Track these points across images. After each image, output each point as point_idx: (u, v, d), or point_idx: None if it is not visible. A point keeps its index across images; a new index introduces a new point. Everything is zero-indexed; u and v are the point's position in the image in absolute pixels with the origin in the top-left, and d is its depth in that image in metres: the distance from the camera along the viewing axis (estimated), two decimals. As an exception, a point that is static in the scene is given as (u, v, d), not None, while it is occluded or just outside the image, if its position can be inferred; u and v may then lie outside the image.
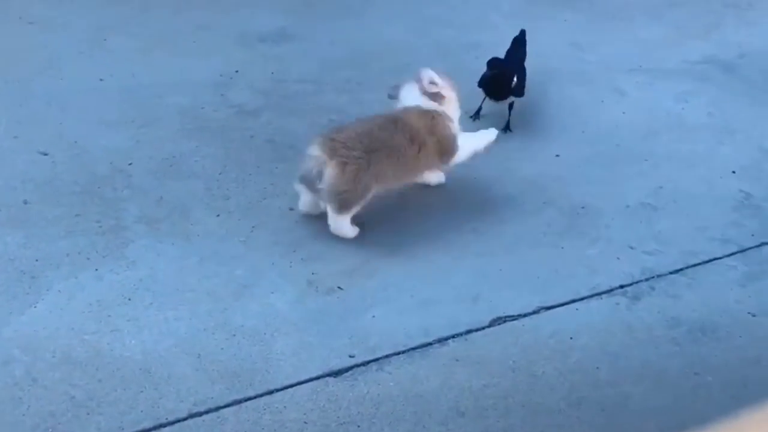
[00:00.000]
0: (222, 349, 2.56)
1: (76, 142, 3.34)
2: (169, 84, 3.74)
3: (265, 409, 2.38)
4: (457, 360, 2.60)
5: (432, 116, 3.15)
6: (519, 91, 3.66)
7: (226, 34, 4.20)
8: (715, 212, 3.33)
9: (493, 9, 4.72)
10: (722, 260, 3.10)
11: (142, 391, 2.39)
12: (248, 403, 2.40)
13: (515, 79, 3.62)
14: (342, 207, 2.96)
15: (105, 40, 4.03)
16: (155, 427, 2.30)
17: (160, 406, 2.36)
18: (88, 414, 2.32)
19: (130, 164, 3.25)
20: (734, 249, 3.15)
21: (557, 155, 3.57)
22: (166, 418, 2.32)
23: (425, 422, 2.40)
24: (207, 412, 2.35)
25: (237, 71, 3.88)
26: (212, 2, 4.54)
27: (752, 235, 3.22)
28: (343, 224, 2.99)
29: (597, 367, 2.63)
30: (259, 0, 4.58)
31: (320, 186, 2.93)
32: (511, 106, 3.68)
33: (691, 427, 2.47)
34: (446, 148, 3.19)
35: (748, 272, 3.05)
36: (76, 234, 2.90)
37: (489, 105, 3.71)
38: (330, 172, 2.90)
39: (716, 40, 4.59)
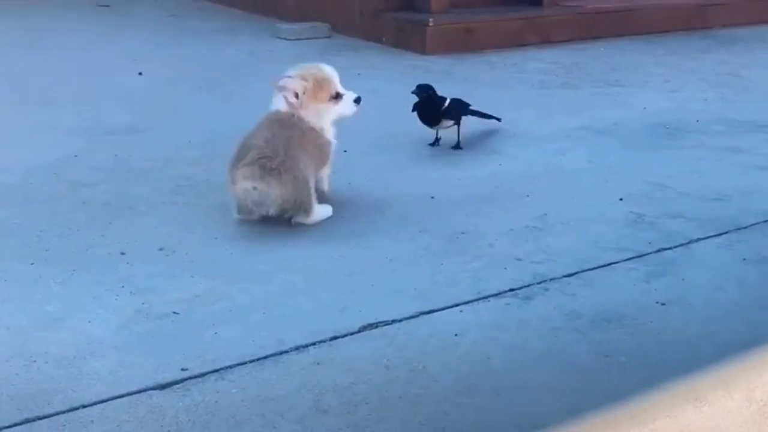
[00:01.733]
0: (16, 374, 2.01)
1: None
2: (-5, 168, 3.36)
3: (64, 425, 1.83)
4: (318, 363, 2.11)
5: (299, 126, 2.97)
6: (453, 114, 3.74)
7: (68, 129, 3.86)
8: (607, 229, 3.00)
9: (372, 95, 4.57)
10: (620, 264, 2.73)
11: None
12: (43, 421, 1.84)
13: (446, 103, 3.70)
14: (307, 210, 2.85)
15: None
16: None
17: None
18: None
19: (-68, 229, 2.79)
20: (632, 255, 2.80)
21: (432, 197, 3.25)
22: (-75, 445, 1.77)
23: (276, 423, 1.87)
24: (-16, 434, 1.80)
25: (76, 156, 3.51)
26: (59, 101, 4.26)
27: (649, 243, 2.89)
28: (317, 214, 2.90)
29: (488, 358, 2.17)
30: (110, 102, 4.31)
31: (268, 209, 2.80)
32: (457, 125, 3.78)
33: (605, 405, 2.02)
34: (323, 155, 3.05)
35: (650, 271, 2.69)
36: None
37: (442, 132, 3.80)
38: (274, 193, 2.77)
39: (588, 116, 4.47)
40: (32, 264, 2.57)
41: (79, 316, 2.29)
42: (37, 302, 2.35)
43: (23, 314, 2.28)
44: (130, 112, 4.18)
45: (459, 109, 3.79)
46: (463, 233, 2.92)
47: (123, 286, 2.46)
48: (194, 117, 4.19)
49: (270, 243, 2.79)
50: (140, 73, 4.94)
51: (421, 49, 5.82)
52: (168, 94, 4.63)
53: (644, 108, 4.61)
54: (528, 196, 3.29)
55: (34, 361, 2.07)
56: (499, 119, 3.99)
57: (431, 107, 3.70)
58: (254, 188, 2.78)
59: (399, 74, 5.17)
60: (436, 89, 3.78)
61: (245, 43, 5.89)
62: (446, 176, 3.48)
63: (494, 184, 3.41)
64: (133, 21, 6.71)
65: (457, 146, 3.78)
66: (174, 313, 2.32)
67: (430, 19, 5.82)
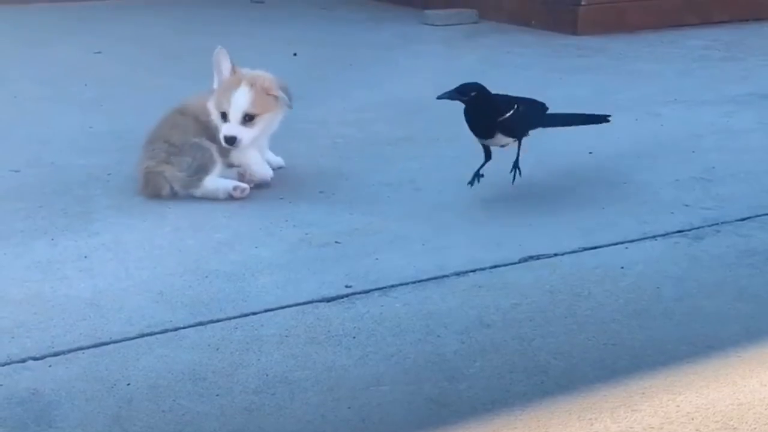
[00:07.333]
0: (189, 287, 2.08)
1: (52, 163, 3.05)
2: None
3: (236, 328, 1.88)
4: (479, 286, 2.09)
5: None
6: (517, 129, 2.65)
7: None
8: (782, 182, 2.87)
9: (522, 70, 4.50)
10: (800, 212, 2.61)
11: (84, 320, 1.92)
12: (216, 324, 1.90)
13: (513, 109, 2.63)
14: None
15: (101, 102, 3.88)
16: (94, 346, 1.82)
17: (104, 329, 1.87)
18: (12, 338, 1.85)
19: (108, 174, 2.91)
20: (813, 205, 2.66)
21: (590, 152, 3.17)
22: (110, 338, 1.84)
23: (440, 332, 1.87)
24: (162, 332, 1.86)
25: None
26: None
27: (832, 196, 2.74)
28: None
29: (657, 287, 2.09)
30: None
31: None
32: (519, 144, 2.71)
33: (790, 331, 1.90)
34: None
35: (833, 220, 2.55)
36: (36, 218, 2.51)
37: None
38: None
39: (755, 83, 4.26)
40: (199, 201, 2.67)
41: (247, 242, 2.35)
42: (207, 231, 2.43)
43: (194, 240, 2.37)
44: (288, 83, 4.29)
45: (528, 121, 2.71)
46: (624, 183, 2.83)
47: (286, 221, 2.51)
48: (345, 88, 4.27)
49: (426, 189, 2.79)
50: (295, 54, 5.09)
51: (572, 30, 5.71)
52: (320, 70, 4.72)
53: (817, 79, 4.37)
54: (694, 152, 3.15)
55: (206, 276, 2.14)
56: (608, 118, 2.85)
57: (486, 113, 2.59)
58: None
59: (551, 51, 5.10)
60: (488, 90, 2.63)
61: (394, 29, 5.94)
62: (604, 134, 3.37)
63: (656, 142, 3.30)
64: (286, 13, 6.91)
65: (515, 166, 2.68)
66: (336, 242, 2.35)
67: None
